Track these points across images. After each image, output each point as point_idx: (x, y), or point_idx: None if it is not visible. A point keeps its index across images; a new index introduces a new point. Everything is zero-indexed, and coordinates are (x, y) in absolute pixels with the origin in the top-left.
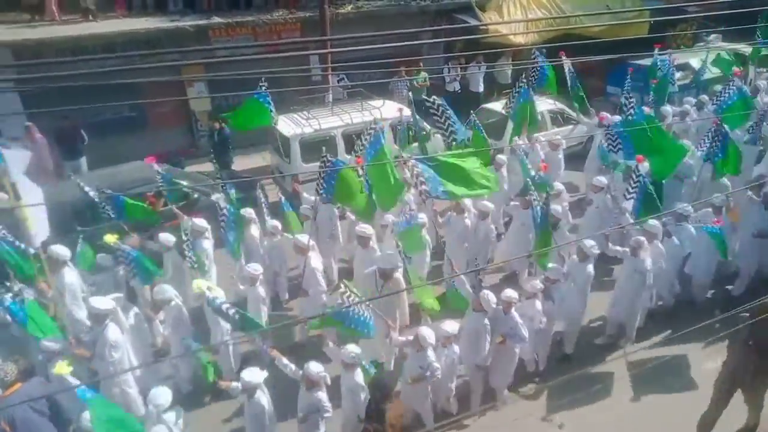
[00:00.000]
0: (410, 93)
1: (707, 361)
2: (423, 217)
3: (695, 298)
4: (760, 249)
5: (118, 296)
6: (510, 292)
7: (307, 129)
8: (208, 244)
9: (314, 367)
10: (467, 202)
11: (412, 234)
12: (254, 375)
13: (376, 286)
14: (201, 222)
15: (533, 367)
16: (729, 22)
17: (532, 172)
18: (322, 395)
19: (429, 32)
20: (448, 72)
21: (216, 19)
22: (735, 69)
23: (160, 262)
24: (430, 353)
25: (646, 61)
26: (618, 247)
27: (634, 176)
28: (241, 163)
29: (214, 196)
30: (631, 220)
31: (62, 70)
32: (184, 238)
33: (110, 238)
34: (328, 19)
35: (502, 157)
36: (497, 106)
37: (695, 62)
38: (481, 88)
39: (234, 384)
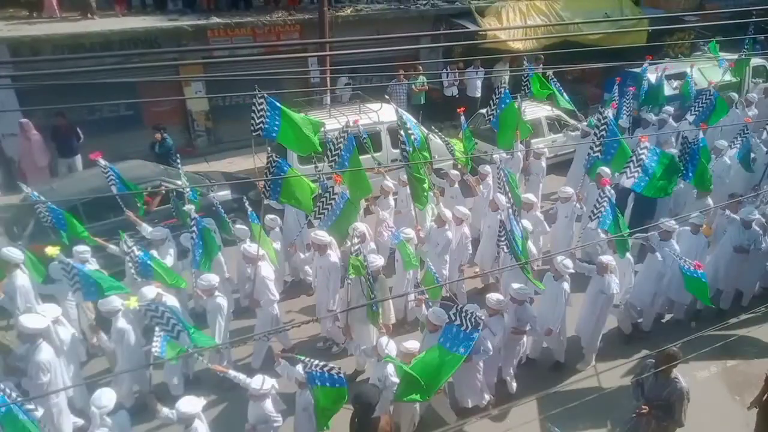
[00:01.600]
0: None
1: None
2: (408, 232)
3: (676, 317)
4: (740, 264)
5: (56, 309)
6: (472, 309)
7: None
8: (170, 251)
9: (256, 382)
10: (447, 213)
11: (403, 250)
12: (191, 405)
13: (363, 291)
14: (157, 230)
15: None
16: (725, 32)
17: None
18: (269, 406)
19: (428, 36)
20: (447, 76)
21: (215, 20)
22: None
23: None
24: (389, 368)
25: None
26: (586, 264)
27: (600, 196)
28: (237, 164)
29: (186, 207)
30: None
31: (59, 68)
32: (128, 247)
33: (51, 251)
34: (328, 22)
35: (486, 168)
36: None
37: (692, 72)
38: (479, 93)
39: (166, 411)
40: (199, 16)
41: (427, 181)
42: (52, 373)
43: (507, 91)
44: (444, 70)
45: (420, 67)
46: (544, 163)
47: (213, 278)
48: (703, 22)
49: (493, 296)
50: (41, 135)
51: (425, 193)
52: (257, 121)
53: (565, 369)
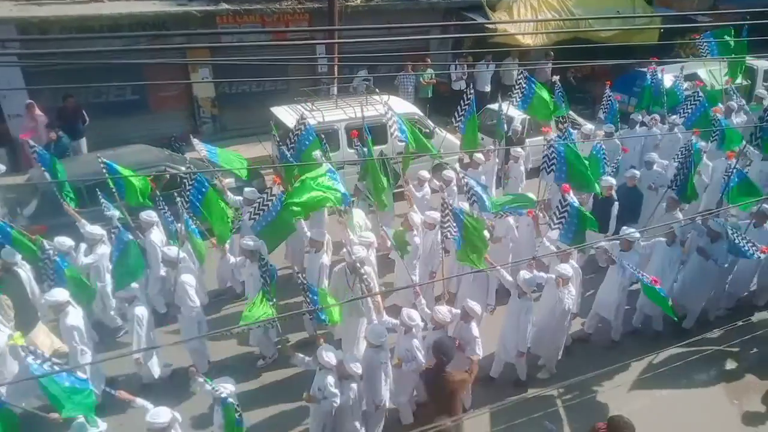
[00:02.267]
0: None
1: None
2: (368, 235)
3: (644, 331)
4: (704, 279)
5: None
6: (412, 314)
7: (311, 121)
8: (104, 249)
9: (155, 414)
10: (416, 218)
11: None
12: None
13: (347, 283)
14: (95, 228)
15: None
16: (737, 33)
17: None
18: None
19: (437, 28)
20: (455, 69)
21: (224, 6)
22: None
23: None
24: (329, 378)
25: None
26: (543, 274)
27: (560, 204)
28: (241, 151)
29: (108, 213)
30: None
31: (67, 49)
32: (43, 252)
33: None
34: (337, 11)
35: (450, 174)
36: (503, 107)
37: (703, 73)
38: (488, 88)
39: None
40: (209, 2)
41: (387, 182)
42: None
43: (474, 100)
44: (453, 63)
45: (428, 59)
46: (522, 167)
47: (131, 288)
48: (717, 22)
49: (442, 309)
50: (47, 117)
51: (383, 194)
52: None
53: (524, 385)
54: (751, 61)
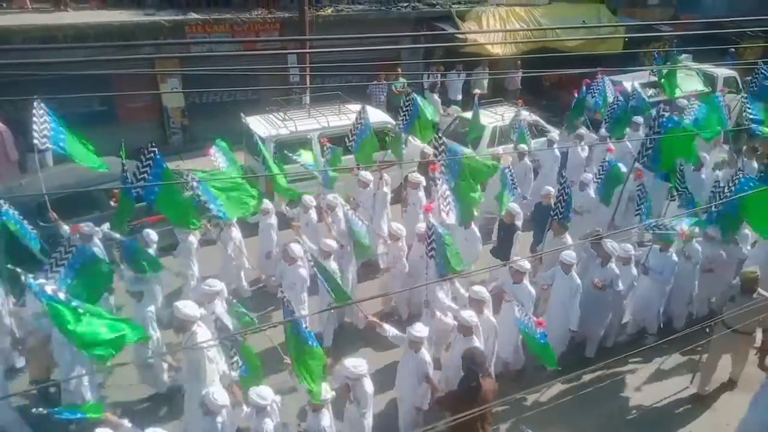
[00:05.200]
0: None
1: None
2: (331, 243)
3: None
4: (597, 306)
5: None
6: (419, 327)
7: (283, 130)
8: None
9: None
10: (296, 250)
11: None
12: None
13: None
14: (89, 225)
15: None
16: (699, 42)
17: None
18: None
19: (408, 38)
20: (428, 78)
21: (193, 15)
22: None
23: None
24: (325, 419)
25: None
26: (488, 287)
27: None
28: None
29: (63, 230)
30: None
31: (30, 59)
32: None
33: None
34: (308, 22)
35: (417, 176)
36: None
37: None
38: (460, 96)
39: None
40: (177, 11)
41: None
42: None
43: (368, 120)
44: (425, 72)
45: (400, 69)
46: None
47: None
48: (678, 32)
49: (468, 312)
50: (10, 129)
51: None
52: (40, 134)
53: (527, 376)
54: (710, 69)
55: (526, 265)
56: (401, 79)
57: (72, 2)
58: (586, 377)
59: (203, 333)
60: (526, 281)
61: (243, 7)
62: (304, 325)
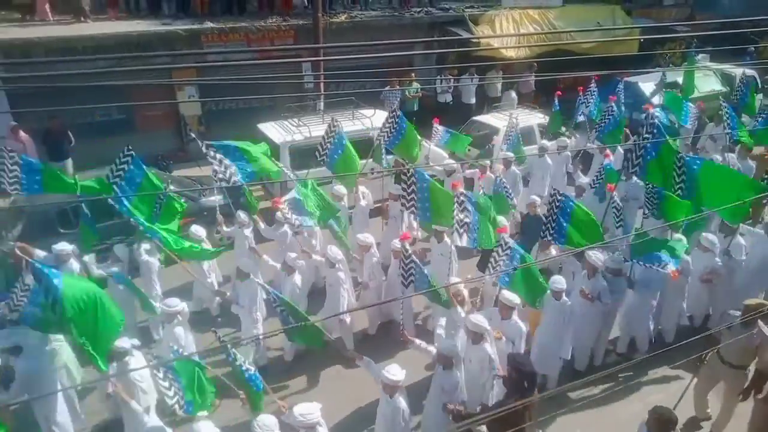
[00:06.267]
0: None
1: None
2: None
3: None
4: (587, 320)
5: None
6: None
7: (298, 136)
8: (76, 267)
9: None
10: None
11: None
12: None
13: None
14: (63, 246)
15: None
16: (715, 43)
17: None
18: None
19: (422, 43)
20: (440, 83)
21: (209, 24)
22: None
23: None
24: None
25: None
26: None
27: (503, 246)
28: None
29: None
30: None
31: (51, 71)
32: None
33: None
34: (322, 28)
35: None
36: (488, 119)
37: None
38: (473, 100)
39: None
40: (193, 20)
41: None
42: None
43: (344, 135)
44: (438, 77)
45: (413, 74)
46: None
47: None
48: (694, 32)
49: (392, 368)
50: (31, 138)
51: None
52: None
53: None
54: (729, 68)
55: (515, 299)
56: (415, 84)
57: (91, 14)
58: (575, 393)
59: (136, 363)
60: (515, 316)
61: (258, 15)
62: (244, 367)
